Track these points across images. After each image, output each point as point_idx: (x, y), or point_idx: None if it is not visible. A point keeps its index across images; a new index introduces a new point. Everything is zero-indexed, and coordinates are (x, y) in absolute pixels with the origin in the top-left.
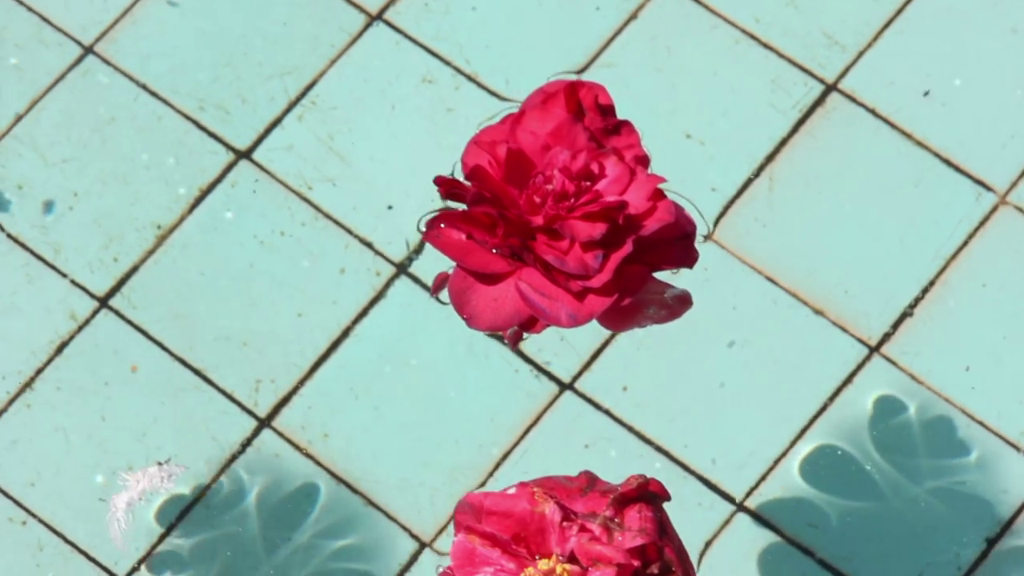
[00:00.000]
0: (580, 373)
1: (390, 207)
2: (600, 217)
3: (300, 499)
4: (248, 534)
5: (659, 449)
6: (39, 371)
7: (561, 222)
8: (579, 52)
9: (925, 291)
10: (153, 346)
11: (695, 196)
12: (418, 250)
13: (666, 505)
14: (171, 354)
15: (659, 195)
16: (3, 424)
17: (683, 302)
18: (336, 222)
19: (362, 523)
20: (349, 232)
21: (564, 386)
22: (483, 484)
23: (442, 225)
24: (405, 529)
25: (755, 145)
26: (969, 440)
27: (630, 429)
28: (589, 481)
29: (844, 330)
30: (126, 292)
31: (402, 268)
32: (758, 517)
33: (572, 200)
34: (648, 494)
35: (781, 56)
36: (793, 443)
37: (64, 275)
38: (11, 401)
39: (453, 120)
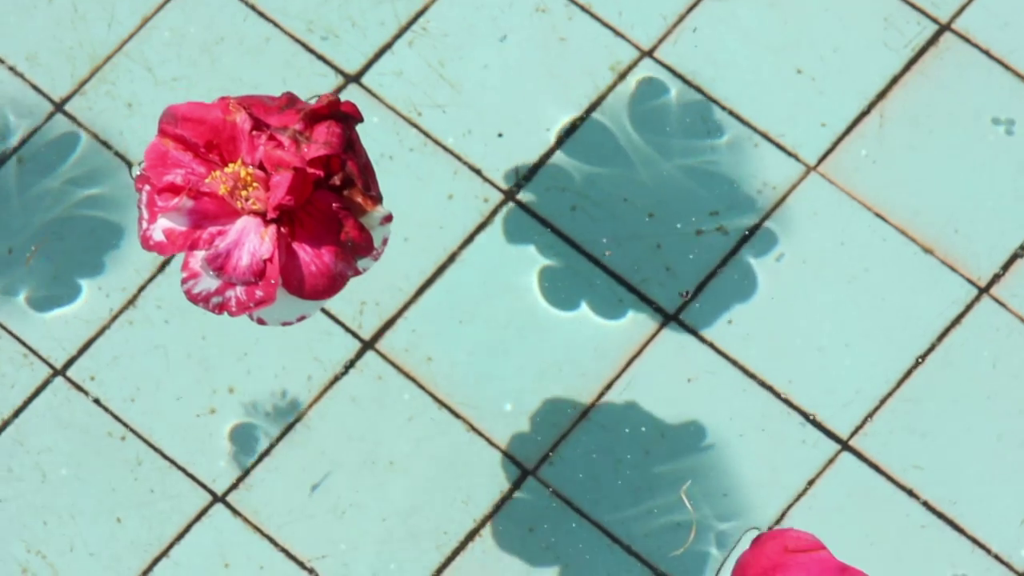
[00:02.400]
0: (685, 305)
1: (500, 135)
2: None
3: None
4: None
5: (763, 384)
6: (141, 288)
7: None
8: None
9: None
10: None
11: (805, 130)
12: (527, 177)
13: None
14: None
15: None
16: (105, 340)
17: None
18: (445, 148)
19: (466, 450)
20: (458, 159)
21: (668, 317)
22: (585, 414)
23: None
24: (509, 456)
25: (866, 82)
26: None
27: (734, 363)
28: (289, 100)
29: (953, 269)
30: None
31: (510, 195)
32: (862, 456)
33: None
34: (339, 113)
35: None
36: (900, 383)
37: None
38: (114, 318)
39: (565, 50)
